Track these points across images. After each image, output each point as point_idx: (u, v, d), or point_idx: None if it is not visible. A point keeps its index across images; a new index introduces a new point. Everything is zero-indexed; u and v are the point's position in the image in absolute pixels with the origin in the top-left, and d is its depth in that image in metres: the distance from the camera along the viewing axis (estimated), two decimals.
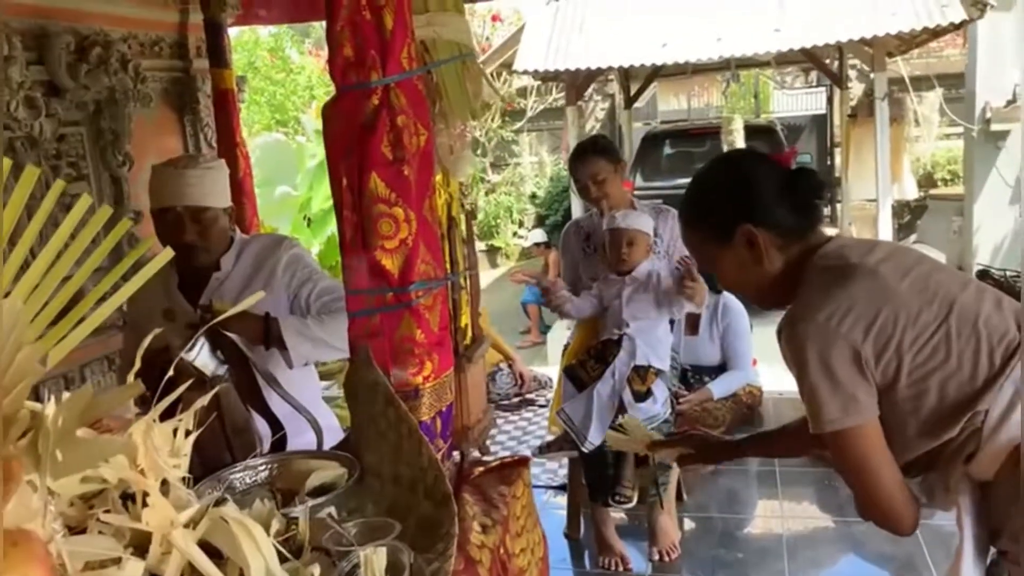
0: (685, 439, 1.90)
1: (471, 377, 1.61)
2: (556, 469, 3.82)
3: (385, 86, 1.37)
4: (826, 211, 12.93)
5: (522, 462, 1.62)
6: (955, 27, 7.07)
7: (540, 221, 12.53)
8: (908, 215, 10.76)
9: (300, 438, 1.87)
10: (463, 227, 1.64)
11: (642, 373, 2.90)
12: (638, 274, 2.94)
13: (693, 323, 4.37)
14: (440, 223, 1.52)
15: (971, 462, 1.34)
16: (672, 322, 4.32)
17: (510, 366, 4.88)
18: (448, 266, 1.57)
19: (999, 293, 1.41)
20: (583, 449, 2.88)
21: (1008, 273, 2.43)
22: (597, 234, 3.16)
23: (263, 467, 1.56)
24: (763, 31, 6.48)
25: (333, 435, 1.89)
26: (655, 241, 3.09)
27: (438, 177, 1.54)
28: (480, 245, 12.57)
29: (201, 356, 1.68)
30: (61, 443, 0.64)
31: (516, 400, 4.80)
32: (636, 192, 8.26)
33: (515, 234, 12.66)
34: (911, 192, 9.23)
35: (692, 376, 4.28)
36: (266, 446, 1.80)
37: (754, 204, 1.43)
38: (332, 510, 1.36)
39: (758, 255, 1.43)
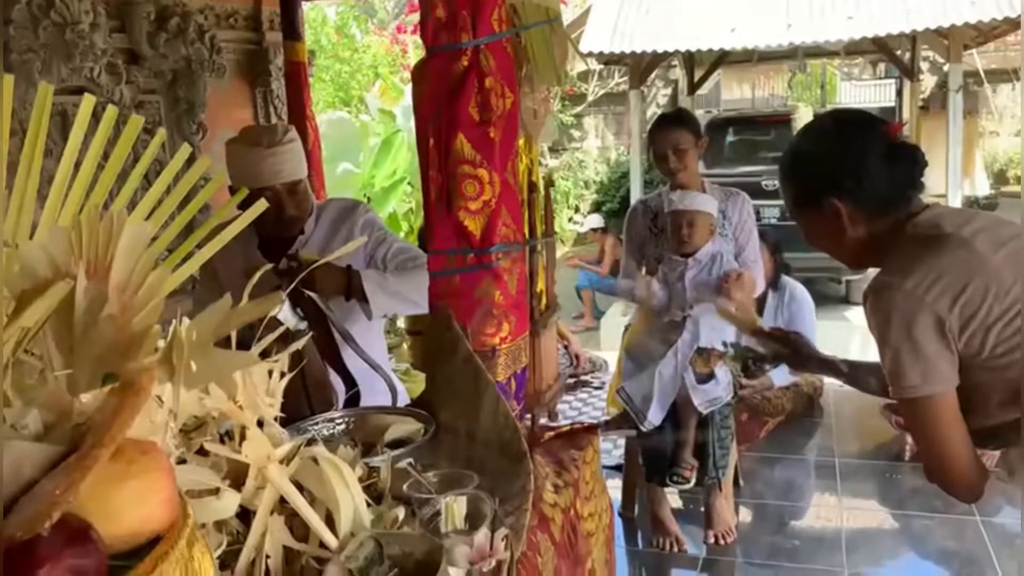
0: (783, 337, 1.92)
1: (544, 342, 1.63)
2: (611, 449, 3.82)
3: (475, 48, 1.39)
4: None
5: (592, 429, 1.63)
6: None
7: (596, 207, 12.46)
8: None
9: (372, 397, 1.91)
10: (542, 194, 1.65)
11: (705, 355, 2.89)
12: (701, 256, 2.92)
13: (757, 308, 4.34)
14: (521, 188, 1.53)
15: None
16: None
17: (566, 347, 4.89)
18: (527, 231, 1.58)
19: None
20: (642, 428, 2.88)
21: None
22: (664, 213, 3.14)
23: (341, 420, 1.60)
24: (835, 18, 6.33)
25: (400, 398, 1.92)
26: (723, 224, 3.06)
27: (520, 142, 1.55)
28: None
29: (283, 312, 1.72)
30: (195, 354, 0.67)
31: (571, 381, 4.80)
32: (700, 178, 8.19)
33: (571, 219, 12.62)
34: (982, 188, 8.96)
35: (753, 363, 4.23)
36: (341, 403, 1.84)
37: (847, 175, 1.42)
38: (412, 460, 1.39)
39: (843, 226, 1.44)
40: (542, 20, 1.50)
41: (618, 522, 3.34)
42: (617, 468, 3.56)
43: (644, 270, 3.13)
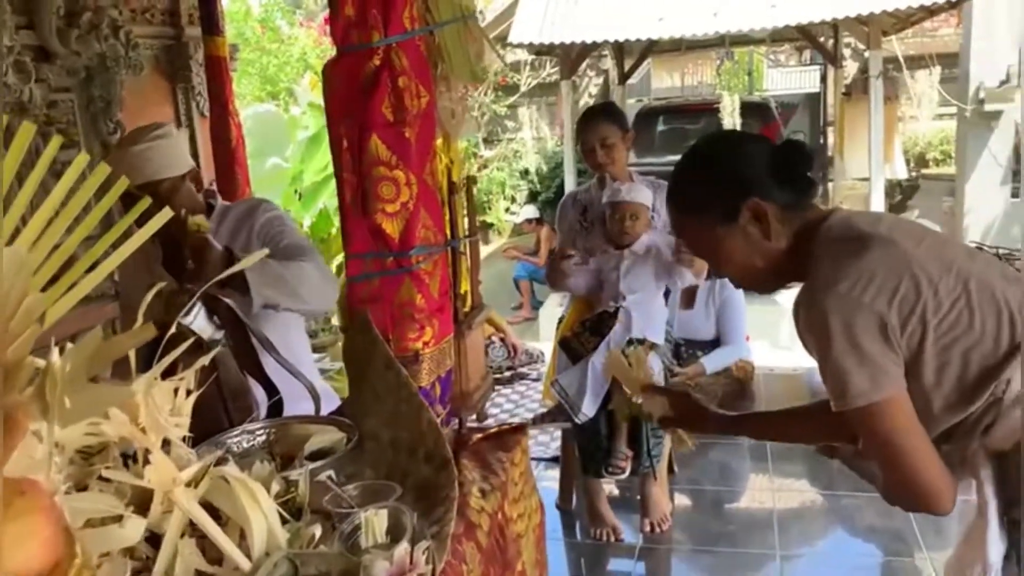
0: (677, 397, 1.83)
1: (471, 343, 1.61)
2: (548, 442, 3.83)
3: (387, 47, 1.35)
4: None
5: (520, 429, 1.62)
6: (950, 6, 7.05)
7: (533, 197, 12.47)
8: (899, 194, 10.77)
9: (296, 404, 1.85)
10: (463, 193, 1.62)
11: (637, 344, 2.91)
12: (637, 247, 2.94)
13: (690, 297, 4.39)
14: (441, 188, 1.51)
15: (989, 433, 1.33)
16: (667, 296, 4.34)
17: (502, 339, 4.88)
18: (449, 232, 1.55)
19: (1004, 265, 1.40)
20: (576, 420, 2.89)
21: (1001, 251, 2.44)
22: (595, 207, 3.15)
23: (261, 432, 1.56)
24: (759, 7, 6.43)
25: (329, 402, 1.88)
26: (653, 215, 3.09)
27: (439, 141, 1.52)
28: None
29: (198, 321, 1.66)
30: (69, 389, 0.63)
31: (508, 373, 4.80)
32: (629, 167, 8.26)
33: (508, 210, 12.61)
34: (901, 172, 9.24)
35: (685, 351, 4.29)
36: (263, 412, 1.79)
37: (754, 180, 1.39)
38: (331, 474, 1.36)
39: (766, 230, 1.39)
40: (456, 17, 1.47)
41: (556, 515, 3.36)
42: (555, 460, 3.57)
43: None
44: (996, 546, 1.36)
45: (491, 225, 12.43)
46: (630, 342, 2.90)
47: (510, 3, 7.59)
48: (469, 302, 1.63)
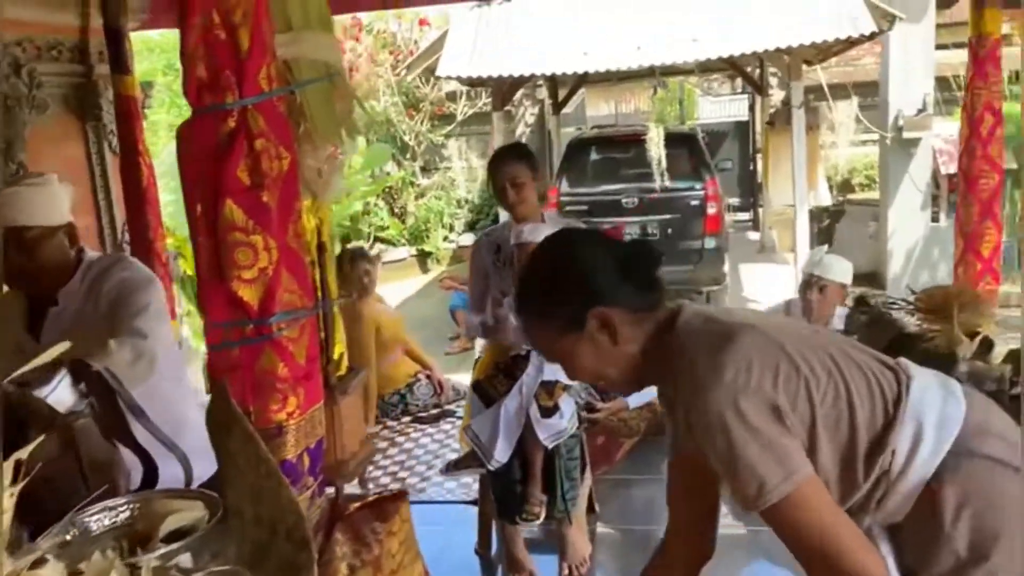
0: None
1: (345, 409, 1.56)
2: (471, 483, 3.77)
3: (242, 108, 1.30)
4: (748, 215, 13.32)
5: (399, 497, 1.57)
6: (867, 38, 7.27)
7: (470, 226, 12.48)
8: (827, 219, 11.04)
9: (178, 470, 1.78)
10: (333, 253, 1.58)
11: (549, 388, 2.89)
12: None
13: None
14: (309, 249, 1.46)
15: (881, 507, 1.31)
16: None
17: (428, 376, 4.81)
18: (319, 294, 1.50)
19: (850, 340, 1.42)
20: (489, 467, 2.85)
21: (882, 300, 2.50)
22: (508, 246, 3.13)
23: (123, 508, 1.47)
24: (681, 41, 6.56)
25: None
26: None
27: (306, 202, 1.47)
28: (411, 250, 12.43)
29: (59, 391, 1.58)
30: None
31: (435, 412, 4.73)
32: (562, 198, 8.32)
33: (446, 238, 12.58)
34: (825, 198, 9.48)
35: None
36: (137, 481, 1.71)
37: (599, 287, 1.35)
38: (187, 556, 1.29)
39: (615, 337, 1.35)
40: (320, 77, 1.43)
41: (475, 560, 3.30)
42: (474, 503, 3.51)
43: (489, 302, 3.10)
44: None
45: (429, 254, 12.39)
46: (543, 384, 2.87)
47: (439, 36, 7.60)
48: (344, 366, 1.58)
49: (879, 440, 1.29)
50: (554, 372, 2.90)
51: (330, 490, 1.54)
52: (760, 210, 10.17)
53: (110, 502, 1.47)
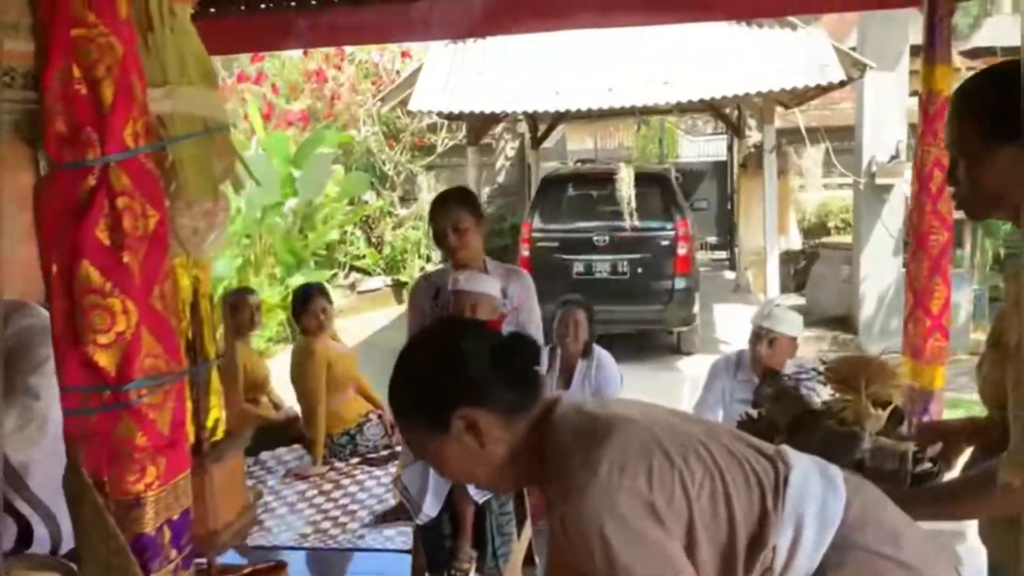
0: None
1: (218, 477, 1.48)
2: (408, 532, 3.68)
3: (104, 165, 1.25)
4: (725, 254, 13.36)
5: (278, 568, 1.49)
6: (839, 85, 7.34)
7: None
8: (804, 261, 11.07)
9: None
10: (210, 311, 1.51)
11: None
12: None
13: (567, 378, 4.35)
14: (180, 310, 1.40)
15: None
16: (547, 373, 4.27)
17: (380, 416, 4.72)
18: (192, 356, 1.44)
19: (730, 427, 1.37)
20: (417, 521, 2.77)
21: (801, 375, 2.47)
22: (446, 290, 3.08)
23: None
24: (653, 83, 6.59)
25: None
26: (505, 303, 3.03)
27: (181, 259, 1.41)
28: (386, 279, 12.36)
29: None
30: None
31: (385, 453, 4.63)
32: (534, 233, 8.29)
33: (422, 269, 12.53)
34: (795, 242, 9.51)
35: None
36: (9, 546, 1.63)
37: (464, 388, 1.29)
38: None
39: (482, 440, 1.28)
40: (195, 132, 1.38)
41: None
42: (409, 552, 3.42)
43: None
44: None
45: (405, 284, 12.32)
46: None
47: (412, 71, 7.61)
48: (221, 431, 1.51)
49: (759, 536, 1.23)
50: None
51: (201, 561, 1.46)
52: (736, 250, 10.17)
53: None
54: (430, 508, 2.74)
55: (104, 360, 1.27)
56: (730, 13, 4.40)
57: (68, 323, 1.27)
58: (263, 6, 3.96)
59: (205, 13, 3.38)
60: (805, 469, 1.29)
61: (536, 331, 3.14)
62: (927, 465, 1.52)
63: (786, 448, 1.34)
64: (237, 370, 4.67)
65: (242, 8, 3.97)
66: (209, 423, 1.48)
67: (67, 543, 1.64)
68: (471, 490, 2.78)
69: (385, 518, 2.99)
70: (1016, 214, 1.47)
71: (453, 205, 2.99)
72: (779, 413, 1.64)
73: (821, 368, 1.67)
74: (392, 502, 3.86)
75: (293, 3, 3.98)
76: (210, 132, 1.41)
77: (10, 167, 3.96)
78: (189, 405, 1.42)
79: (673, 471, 1.21)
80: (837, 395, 1.64)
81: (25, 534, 1.64)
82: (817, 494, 1.26)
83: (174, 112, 1.35)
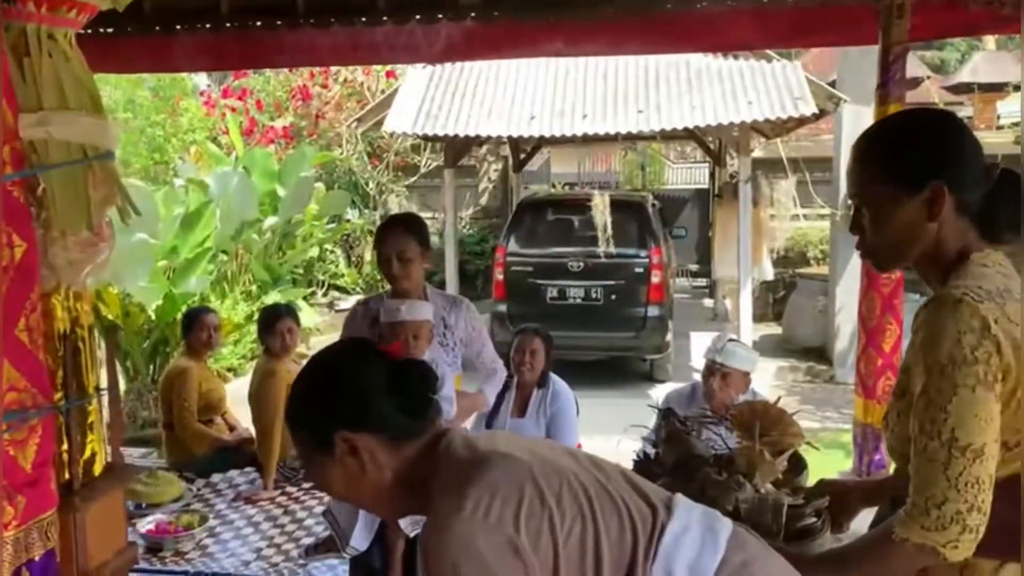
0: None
1: (94, 515, 1.43)
2: (344, 570, 3.61)
3: None
4: (705, 282, 13.36)
5: None
6: (813, 118, 7.37)
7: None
8: (782, 290, 11.07)
9: None
10: (88, 342, 1.47)
11: None
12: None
13: (522, 405, 4.30)
14: (52, 341, 1.35)
15: None
16: (499, 403, 4.23)
17: None
18: (66, 391, 1.39)
19: (624, 469, 1.33)
20: (344, 554, 2.70)
21: (698, 413, 2.46)
22: (383, 323, 3.03)
23: None
24: (627, 112, 6.60)
25: None
26: (444, 332, 2.99)
27: (56, 291, 1.37)
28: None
29: None
30: None
31: None
32: (508, 257, 8.26)
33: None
34: (768, 273, 9.52)
35: None
36: None
37: (352, 408, 1.27)
38: None
39: (363, 464, 1.26)
40: (71, 160, 1.34)
41: None
42: None
43: None
44: None
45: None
46: None
47: (389, 93, 7.62)
48: (100, 465, 1.46)
49: (629, 574, 1.20)
50: None
51: None
52: (715, 279, 10.19)
53: None
54: (358, 541, 2.68)
55: None
56: (693, 46, 4.42)
57: None
58: (228, 25, 3.95)
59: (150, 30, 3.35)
60: (685, 521, 1.25)
61: (490, 355, 3.11)
62: (810, 520, 1.48)
63: (678, 497, 1.31)
64: (190, 390, 4.61)
65: (207, 27, 3.96)
66: (83, 459, 1.43)
67: None
68: (403, 523, 2.72)
69: (316, 549, 2.92)
70: (920, 269, 1.45)
71: (399, 233, 2.94)
72: (668, 453, 1.61)
73: (730, 414, 1.63)
74: (324, 534, 3.79)
75: (259, 23, 3.98)
76: (88, 160, 1.37)
77: None
78: (61, 441, 1.37)
79: (543, 511, 1.18)
80: (744, 442, 1.60)
81: None
82: (691, 549, 1.22)
83: (48, 139, 1.30)
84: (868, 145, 1.46)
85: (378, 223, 12.95)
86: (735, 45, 4.98)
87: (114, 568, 1.48)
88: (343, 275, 12.21)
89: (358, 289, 12.36)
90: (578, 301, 7.82)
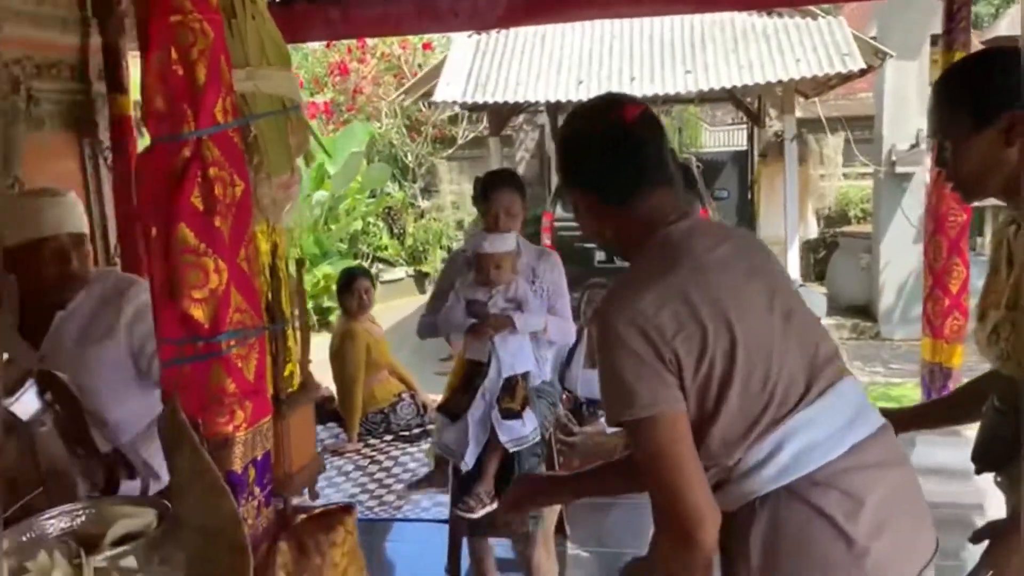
0: (514, 487, 1.85)
1: (294, 424, 1.63)
2: (446, 502, 3.83)
3: (197, 138, 1.39)
4: None
5: (345, 510, 1.63)
6: (859, 74, 7.39)
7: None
8: (824, 250, 11.11)
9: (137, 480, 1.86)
10: (289, 275, 1.66)
11: (511, 388, 2.97)
12: (502, 290, 3.04)
13: (594, 357, 4.47)
14: (261, 272, 1.54)
15: (719, 492, 1.35)
16: (571, 355, 4.41)
17: (412, 396, 4.88)
18: (273, 313, 1.58)
19: (816, 336, 1.40)
20: (462, 468, 2.91)
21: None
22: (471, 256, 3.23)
23: (79, 512, 1.55)
24: (675, 73, 6.68)
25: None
26: (533, 280, 3.18)
27: (261, 226, 1.56)
28: (408, 270, 12.53)
29: (25, 398, 1.66)
30: None
31: (418, 431, 4.79)
32: (556, 222, 8.40)
33: (443, 260, 12.67)
34: (813, 231, 9.54)
35: (587, 409, 4.35)
36: (98, 488, 1.78)
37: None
38: (132, 559, 1.36)
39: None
40: (275, 110, 1.52)
41: None
42: (446, 522, 3.56)
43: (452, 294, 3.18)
44: None
45: (427, 275, 12.47)
46: (505, 385, 2.96)
47: (437, 63, 7.74)
48: (296, 383, 1.65)
49: (731, 444, 1.32)
50: (512, 367, 2.99)
51: (278, 501, 1.61)
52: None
53: (67, 506, 1.55)
54: (470, 457, 2.92)
55: (199, 314, 1.41)
56: (743, 4, 4.50)
57: (165, 281, 1.41)
58: None
59: None
60: (830, 406, 1.33)
61: (565, 310, 3.29)
62: None
63: (843, 382, 1.36)
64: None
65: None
66: (285, 375, 1.63)
67: (152, 490, 1.79)
68: (502, 438, 2.93)
69: (419, 485, 3.13)
70: (1005, 195, 1.58)
71: (508, 190, 3.15)
72: None
73: None
74: (421, 471, 4.02)
75: None
76: (286, 111, 1.55)
77: (56, 155, 4.15)
78: (268, 358, 1.56)
79: (704, 337, 1.28)
80: None
81: (112, 480, 1.79)
82: (817, 432, 1.31)
83: (255, 91, 1.48)
84: (945, 85, 1.60)
85: (418, 196, 13.16)
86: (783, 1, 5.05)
87: (308, 472, 1.68)
88: (386, 247, 12.42)
89: (401, 261, 12.56)
90: (626, 263, 7.94)
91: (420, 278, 12.54)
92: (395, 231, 12.86)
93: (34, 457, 1.58)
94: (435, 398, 5.10)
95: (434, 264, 12.59)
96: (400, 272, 12.30)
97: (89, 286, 2.04)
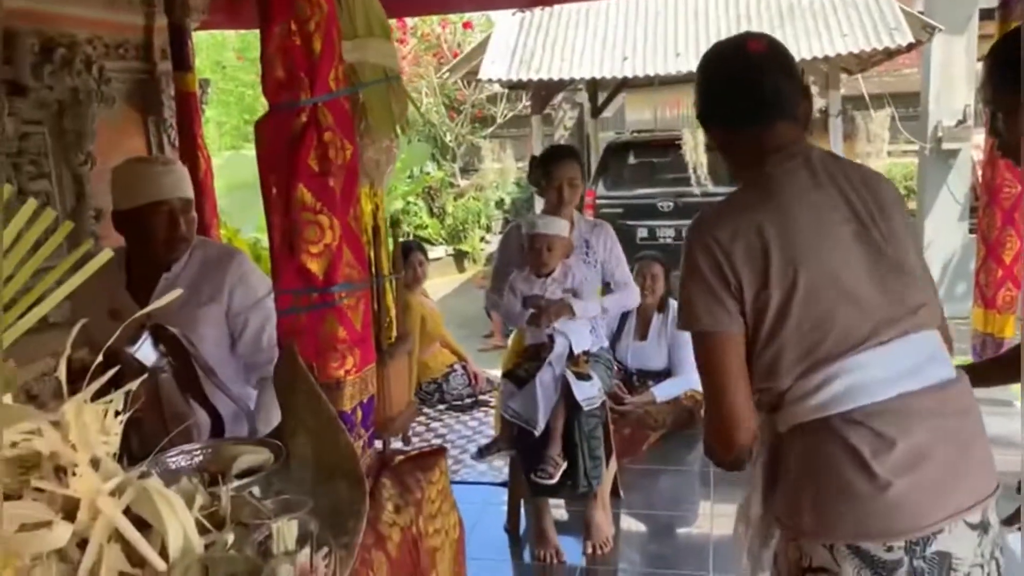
0: None
1: (394, 372, 1.75)
2: (502, 467, 3.96)
3: (313, 105, 1.51)
4: None
5: (439, 452, 1.76)
6: (907, 48, 7.33)
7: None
8: None
9: (240, 426, 2.00)
10: (388, 234, 1.77)
11: (575, 358, 3.10)
12: (557, 275, 3.14)
13: (644, 329, 4.56)
14: (366, 230, 1.66)
15: (773, 412, 1.47)
16: (622, 326, 4.50)
17: (464, 367, 5.02)
18: (373, 269, 1.70)
19: (900, 283, 1.44)
20: (535, 431, 3.03)
21: None
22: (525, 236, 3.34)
23: (197, 452, 1.69)
24: None
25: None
26: (587, 252, 3.28)
27: (365, 187, 1.67)
28: (448, 249, 12.68)
29: (143, 349, 1.80)
30: None
31: (469, 400, 4.94)
32: (598, 200, 8.47)
33: (482, 239, 12.79)
34: None
35: (637, 379, 4.46)
36: (205, 434, 1.93)
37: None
38: (255, 490, 1.50)
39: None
40: (379, 79, 1.63)
41: (505, 537, 3.48)
42: (504, 485, 3.70)
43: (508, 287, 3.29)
44: (756, 508, 1.56)
45: (466, 253, 12.61)
46: (570, 355, 3.08)
47: (482, 40, 7.81)
48: (394, 333, 1.78)
49: (780, 370, 1.41)
50: (579, 345, 3.11)
51: (378, 443, 1.74)
52: None
53: (187, 447, 1.69)
54: (542, 421, 3.05)
55: (314, 267, 1.54)
56: None
57: (285, 237, 1.54)
58: None
59: None
60: (889, 352, 1.38)
61: (625, 274, 3.39)
62: None
63: (919, 334, 1.41)
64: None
65: None
66: (385, 327, 1.75)
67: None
68: (578, 396, 3.06)
69: (488, 450, 3.27)
70: None
71: (569, 161, 3.28)
72: None
73: None
74: (482, 441, 4.15)
75: None
76: (389, 80, 1.67)
77: (124, 133, 4.31)
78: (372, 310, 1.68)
79: (763, 264, 1.39)
80: None
81: (217, 426, 1.93)
82: (867, 374, 1.37)
83: (363, 61, 1.60)
84: (998, 55, 1.63)
85: (457, 175, 13.28)
86: None
87: (405, 417, 1.80)
88: (427, 226, 12.56)
89: (441, 240, 12.71)
90: (668, 240, 7.99)
91: (459, 257, 12.67)
92: (434, 210, 12.99)
93: (158, 402, 1.72)
94: (485, 371, 5.25)
95: (473, 243, 12.72)
96: (440, 251, 12.45)
97: (192, 251, 2.19)
